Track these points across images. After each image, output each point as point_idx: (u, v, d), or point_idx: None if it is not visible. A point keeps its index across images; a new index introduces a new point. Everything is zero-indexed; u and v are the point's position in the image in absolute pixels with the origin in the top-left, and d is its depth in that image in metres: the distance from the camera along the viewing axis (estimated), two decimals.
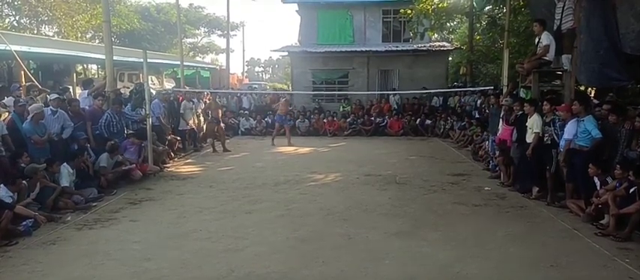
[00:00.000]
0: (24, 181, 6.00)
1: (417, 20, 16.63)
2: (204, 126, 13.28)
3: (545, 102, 7.08)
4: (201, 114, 12.80)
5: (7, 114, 7.36)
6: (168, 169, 9.62)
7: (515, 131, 7.68)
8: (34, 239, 5.28)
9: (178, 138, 11.39)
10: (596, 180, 5.97)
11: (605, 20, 7.32)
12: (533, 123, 7.00)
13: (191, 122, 11.96)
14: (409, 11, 16.89)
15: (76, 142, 7.77)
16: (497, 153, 8.52)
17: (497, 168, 8.57)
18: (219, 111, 12.75)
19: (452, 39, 24.86)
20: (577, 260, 4.64)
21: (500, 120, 8.31)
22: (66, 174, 6.76)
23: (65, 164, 6.82)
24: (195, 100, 12.55)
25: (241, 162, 10.60)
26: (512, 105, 8.04)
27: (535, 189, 7.08)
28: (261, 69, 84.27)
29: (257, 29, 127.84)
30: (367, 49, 18.04)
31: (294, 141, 13.30)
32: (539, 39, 7.96)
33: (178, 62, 20.19)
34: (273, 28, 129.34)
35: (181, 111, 11.69)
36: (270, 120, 16.26)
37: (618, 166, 5.57)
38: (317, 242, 5.20)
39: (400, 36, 19.27)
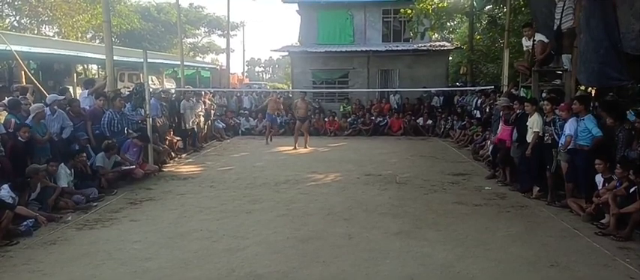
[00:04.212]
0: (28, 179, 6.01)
1: (417, 20, 16.62)
2: (205, 127, 13.30)
3: (546, 102, 7.09)
4: (201, 114, 12.77)
5: (6, 113, 7.35)
6: (169, 169, 9.63)
7: (515, 130, 7.68)
8: (34, 239, 5.29)
9: (179, 137, 11.38)
10: (597, 179, 5.97)
11: (605, 19, 7.31)
12: (534, 123, 7.01)
13: (191, 122, 11.88)
14: (409, 11, 16.89)
15: (76, 142, 7.78)
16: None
17: (497, 169, 8.57)
18: (304, 111, 12.69)
19: (452, 38, 24.85)
20: (577, 260, 4.63)
21: (500, 119, 8.32)
22: (63, 175, 6.75)
23: (62, 164, 6.81)
24: (193, 99, 12.49)
25: (242, 162, 10.60)
26: (508, 104, 8.07)
27: (535, 189, 7.09)
28: (262, 69, 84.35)
29: (257, 29, 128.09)
30: (367, 48, 18.04)
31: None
32: (534, 40, 8.09)
33: (178, 62, 20.16)
34: (274, 28, 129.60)
35: (181, 111, 11.65)
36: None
37: (619, 165, 5.57)
38: (317, 241, 5.20)
39: (400, 36, 19.26)
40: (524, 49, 8.77)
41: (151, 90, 9.86)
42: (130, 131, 8.91)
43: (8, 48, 11.17)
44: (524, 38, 8.74)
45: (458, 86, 20.27)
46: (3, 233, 5.13)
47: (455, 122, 14.74)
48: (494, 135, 8.89)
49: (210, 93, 15.72)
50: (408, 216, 6.16)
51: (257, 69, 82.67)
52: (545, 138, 6.89)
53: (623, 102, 8.13)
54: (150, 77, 11.54)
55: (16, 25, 28.07)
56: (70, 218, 6.06)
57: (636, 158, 5.81)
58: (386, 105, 17.11)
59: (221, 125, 15.23)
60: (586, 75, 7.85)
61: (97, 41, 31.46)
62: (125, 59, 20.30)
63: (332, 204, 6.76)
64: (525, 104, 7.41)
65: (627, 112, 6.52)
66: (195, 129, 12.32)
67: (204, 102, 13.53)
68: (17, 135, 6.63)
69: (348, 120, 16.12)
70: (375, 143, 13.75)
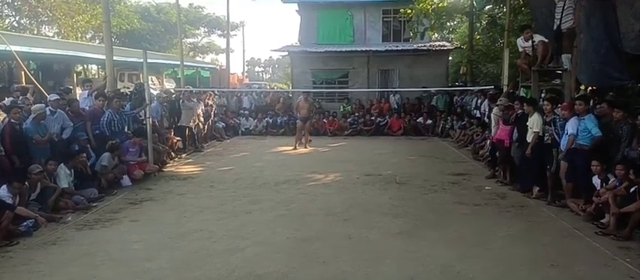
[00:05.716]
0: (26, 183, 6.00)
1: (417, 20, 16.62)
2: (205, 127, 13.28)
3: (546, 102, 7.09)
4: (201, 115, 12.76)
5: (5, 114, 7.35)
6: (169, 169, 9.62)
7: (515, 130, 7.68)
8: (34, 239, 5.29)
9: (178, 138, 11.36)
10: (594, 180, 5.96)
11: (605, 19, 7.34)
12: (534, 123, 7.00)
13: (191, 121, 11.84)
14: (409, 11, 16.88)
15: (76, 142, 7.77)
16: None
17: (497, 169, 8.57)
18: (306, 111, 12.59)
19: (452, 38, 24.85)
20: (577, 260, 4.63)
21: (499, 119, 8.33)
22: (63, 176, 6.74)
23: (62, 165, 6.80)
24: (194, 100, 12.49)
25: (241, 162, 10.60)
26: (508, 104, 8.07)
27: (536, 189, 7.08)
28: (262, 69, 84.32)
29: (257, 29, 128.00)
30: (367, 48, 18.02)
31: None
32: (534, 41, 8.11)
33: (178, 62, 20.23)
34: (273, 28, 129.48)
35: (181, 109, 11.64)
36: (270, 120, 16.30)
37: (619, 165, 5.57)
38: (317, 241, 5.20)
39: (400, 36, 19.24)
40: (520, 49, 8.79)
41: (155, 93, 9.81)
42: (129, 131, 8.89)
43: (8, 48, 11.17)
44: (520, 39, 8.74)
45: (457, 86, 20.27)
46: (3, 234, 5.12)
47: (455, 122, 14.74)
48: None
49: (215, 94, 15.68)
50: (408, 216, 6.16)
51: (257, 69, 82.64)
52: (545, 138, 6.89)
53: (627, 101, 8.16)
54: (150, 77, 11.53)
55: (16, 25, 28.06)
56: (70, 218, 6.06)
57: (636, 157, 5.81)
58: (386, 105, 17.10)
59: (221, 125, 15.22)
60: (587, 75, 7.87)
61: (97, 41, 31.45)
62: (125, 59, 20.30)
63: (332, 204, 6.76)
64: (524, 104, 7.41)
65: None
66: (194, 130, 12.27)
67: (206, 103, 13.53)
68: (12, 121, 6.62)
69: (348, 120, 16.12)
70: (375, 143, 13.74)
